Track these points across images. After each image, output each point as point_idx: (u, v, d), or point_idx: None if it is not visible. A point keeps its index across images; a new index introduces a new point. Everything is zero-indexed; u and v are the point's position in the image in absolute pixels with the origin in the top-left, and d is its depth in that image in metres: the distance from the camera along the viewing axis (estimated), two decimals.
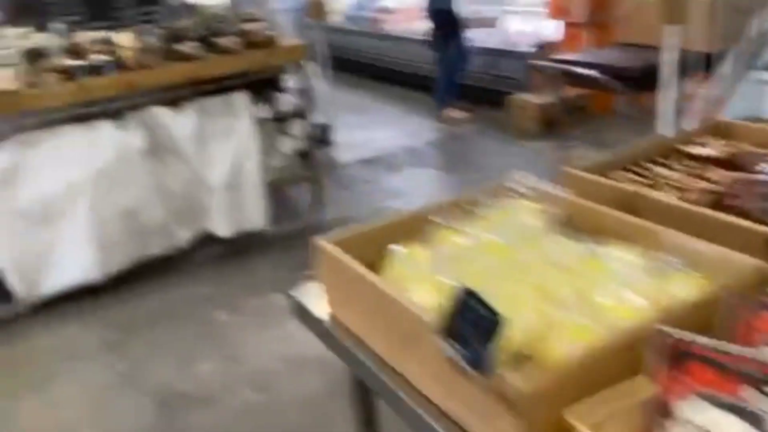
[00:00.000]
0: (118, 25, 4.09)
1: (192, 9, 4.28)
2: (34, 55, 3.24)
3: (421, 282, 1.20)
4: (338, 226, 4.02)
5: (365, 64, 8.03)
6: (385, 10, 7.81)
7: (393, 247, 1.30)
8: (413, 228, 1.34)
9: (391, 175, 4.98)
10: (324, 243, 1.34)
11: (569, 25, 5.84)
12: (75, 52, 3.68)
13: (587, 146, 5.14)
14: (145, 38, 3.49)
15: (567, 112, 4.20)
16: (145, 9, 4.19)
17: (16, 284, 3.39)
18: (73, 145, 3.42)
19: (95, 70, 3.40)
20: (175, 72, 3.58)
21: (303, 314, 1.47)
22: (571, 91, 5.43)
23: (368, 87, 7.69)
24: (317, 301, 1.44)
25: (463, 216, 1.35)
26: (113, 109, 3.52)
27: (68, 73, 3.36)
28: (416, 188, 4.74)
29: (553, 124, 5.48)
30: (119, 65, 3.46)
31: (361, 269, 1.24)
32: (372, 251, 1.31)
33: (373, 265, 1.29)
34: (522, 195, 1.41)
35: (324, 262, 1.36)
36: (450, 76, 6.14)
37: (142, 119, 3.59)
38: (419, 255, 1.28)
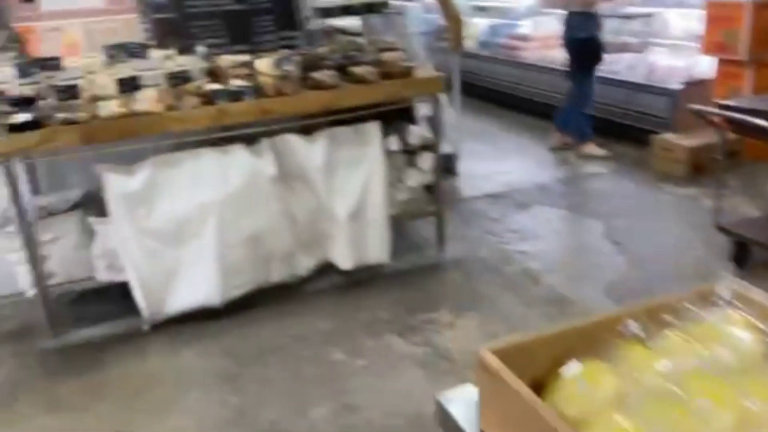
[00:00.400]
0: (258, 49, 4.11)
1: (330, 35, 4.24)
2: (177, 78, 3.28)
3: (604, 419, 0.96)
4: (459, 266, 3.82)
5: (495, 91, 7.80)
6: (522, 37, 7.54)
7: (569, 367, 1.08)
8: (594, 337, 1.11)
9: (519, 213, 4.71)
10: (485, 354, 1.12)
11: (726, 62, 5.32)
12: (215, 75, 3.72)
13: (742, 196, 4.65)
14: (284, 65, 3.45)
15: (719, 157, 3.77)
16: (285, 34, 4.18)
17: (141, 301, 3.43)
18: (207, 168, 3.43)
19: (234, 95, 3.40)
20: (311, 101, 3.52)
21: (449, 425, 1.25)
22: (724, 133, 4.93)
23: (495, 114, 7.45)
24: (467, 410, 1.22)
25: (659, 327, 1.11)
26: (248, 134, 3.51)
27: (208, 97, 3.37)
28: (546, 231, 4.45)
29: (702, 169, 5.00)
30: (257, 91, 3.44)
31: (529, 395, 1.02)
32: (542, 364, 1.09)
33: (542, 382, 1.07)
34: (730, 304, 1.15)
35: (482, 375, 1.14)
36: (584, 109, 5.80)
37: (274, 146, 3.56)
38: (602, 379, 1.04)
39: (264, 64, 3.60)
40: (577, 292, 3.58)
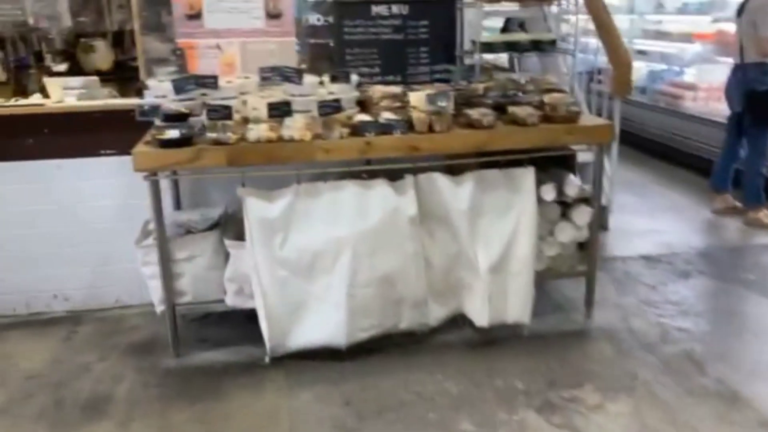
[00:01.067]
0: (410, 81, 3.94)
1: (488, 71, 3.99)
2: (328, 107, 3.13)
3: None
4: (609, 337, 3.37)
5: (651, 140, 7.21)
6: (686, 86, 6.93)
7: None
8: None
9: (679, 283, 4.17)
10: None
11: None
12: (365, 105, 3.57)
13: None
14: (438, 101, 3.22)
15: None
16: (440, 67, 3.97)
17: (265, 331, 3.29)
18: (346, 201, 3.26)
19: (383, 128, 3.21)
20: (464, 140, 3.27)
21: None
22: None
23: (650, 165, 6.86)
24: None
25: None
26: (391, 169, 3.31)
27: (356, 128, 3.21)
28: (712, 308, 3.89)
29: None
30: (407, 126, 3.23)
31: None
32: None
33: None
34: None
35: None
36: (760, 169, 5.15)
37: (418, 184, 3.33)
38: None
39: (416, 97, 3.40)
40: (752, 389, 3.04)
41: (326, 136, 3.17)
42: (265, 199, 3.22)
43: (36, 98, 3.94)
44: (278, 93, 3.48)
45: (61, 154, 3.76)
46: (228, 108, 3.05)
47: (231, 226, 3.47)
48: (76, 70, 5.04)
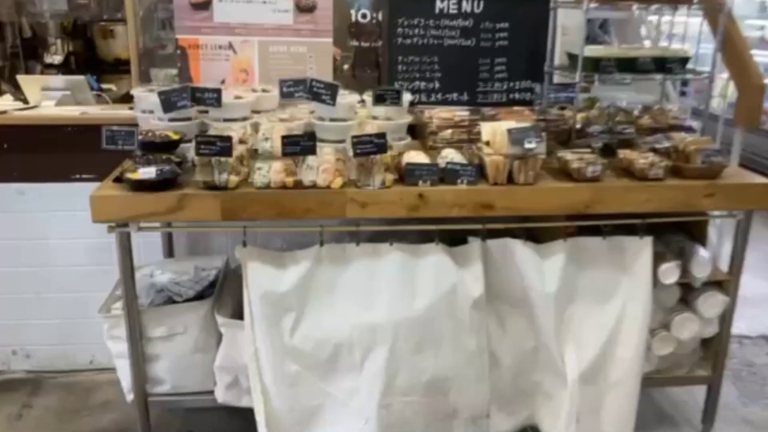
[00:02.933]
0: (480, 102, 2.97)
1: (587, 90, 2.99)
2: (369, 144, 2.20)
3: None
4: None
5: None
6: None
7: None
8: None
9: None
10: None
11: None
12: (420, 135, 2.64)
13: None
14: (525, 139, 2.26)
15: None
16: (521, 86, 3.00)
17: None
18: (386, 272, 2.34)
19: (445, 176, 2.27)
20: (559, 200, 2.31)
21: None
22: None
23: None
24: None
25: None
26: (450, 231, 2.38)
27: (407, 173, 2.28)
28: None
29: None
30: (477, 172, 2.29)
31: None
32: None
33: None
34: None
35: None
36: None
37: (488, 253, 2.39)
38: None
39: (492, 130, 2.44)
40: None
41: (363, 183, 2.24)
42: (273, 264, 2.32)
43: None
44: (303, 115, 2.57)
45: (24, 177, 2.93)
46: (226, 140, 2.14)
47: (230, 289, 2.58)
48: (74, 62, 4.24)
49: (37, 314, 3.08)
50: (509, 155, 2.29)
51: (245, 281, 2.31)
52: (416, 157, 2.38)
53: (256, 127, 2.47)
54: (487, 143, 2.44)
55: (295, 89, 2.54)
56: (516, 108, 2.87)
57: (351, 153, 2.23)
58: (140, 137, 2.33)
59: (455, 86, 3.01)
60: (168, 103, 2.43)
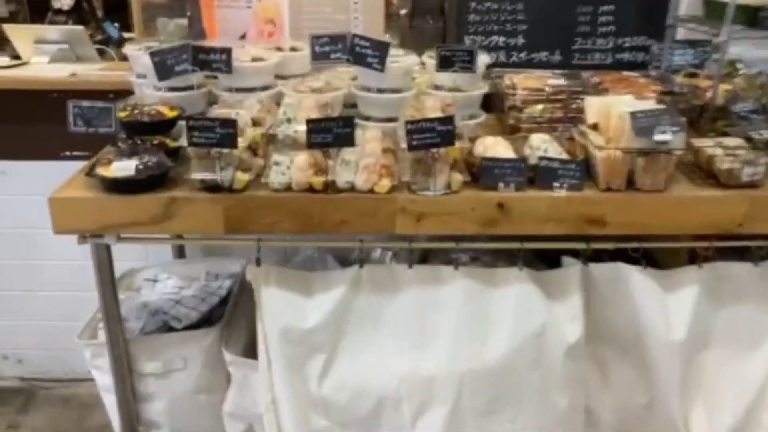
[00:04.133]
0: (580, 63, 2.25)
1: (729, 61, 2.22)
2: (428, 133, 1.55)
3: None
4: None
5: None
6: None
7: None
8: None
9: None
10: None
11: None
12: (498, 109, 1.97)
13: None
14: (657, 128, 1.55)
15: None
16: (631, 40, 2.26)
17: None
18: (450, 306, 1.72)
19: (540, 176, 1.61)
20: (702, 210, 1.62)
21: None
22: None
23: None
24: None
25: None
26: (537, 250, 1.73)
27: (482, 172, 1.62)
28: None
29: None
30: (582, 169, 1.61)
31: None
32: None
33: None
34: None
35: None
36: None
37: (589, 280, 1.73)
38: None
39: (602, 110, 1.74)
40: None
41: (419, 186, 1.60)
42: (297, 290, 1.73)
43: None
44: (342, 82, 1.92)
45: (4, 153, 2.41)
46: (229, 126, 1.52)
47: (246, 310, 2.00)
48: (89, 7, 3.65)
49: (27, 315, 2.60)
50: (631, 150, 1.59)
51: (259, 312, 1.73)
52: (495, 147, 1.71)
53: (278, 100, 1.85)
54: (595, 127, 1.75)
55: (331, 48, 1.88)
56: (626, 74, 2.14)
57: (404, 142, 1.58)
58: (122, 115, 1.74)
59: (545, 42, 2.29)
60: (163, 67, 1.81)
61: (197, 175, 1.59)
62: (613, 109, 1.69)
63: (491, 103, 2.08)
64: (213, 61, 1.83)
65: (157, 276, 2.22)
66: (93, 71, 2.46)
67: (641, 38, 2.27)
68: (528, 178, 1.63)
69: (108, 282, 1.74)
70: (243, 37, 2.25)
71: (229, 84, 1.90)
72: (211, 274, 2.20)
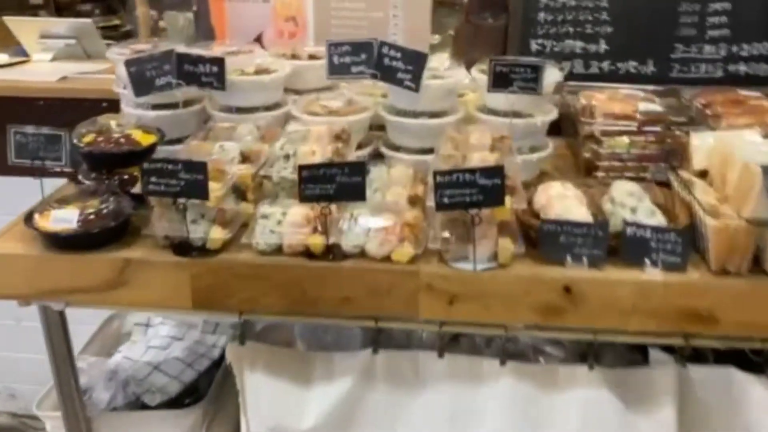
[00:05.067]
0: (681, 77, 1.75)
1: None
2: (462, 186, 1.10)
3: None
4: None
5: None
6: None
7: None
8: None
9: None
10: None
11: None
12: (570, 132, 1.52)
13: None
14: None
15: None
16: (750, 48, 1.73)
17: None
18: (496, 408, 1.29)
19: (627, 249, 1.15)
20: None
21: None
22: None
23: None
24: None
25: None
26: (614, 344, 1.26)
27: (539, 237, 1.17)
28: None
29: None
30: (688, 239, 1.14)
31: None
32: None
33: None
34: None
35: None
36: None
37: (687, 386, 1.26)
38: None
39: (713, 152, 1.26)
40: None
41: (454, 255, 1.16)
42: (291, 378, 1.33)
43: None
44: (367, 100, 1.50)
45: None
46: (198, 169, 1.12)
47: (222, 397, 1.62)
48: None
49: (19, 346, 2.31)
50: (761, 220, 1.11)
51: (243, 404, 1.34)
52: (562, 200, 1.25)
53: (286, 124, 1.44)
54: (704, 174, 1.27)
55: (352, 60, 1.46)
56: (743, 93, 1.63)
57: (433, 194, 1.14)
58: (86, 141, 1.38)
59: (635, 49, 1.80)
60: (141, 79, 1.44)
61: (160, 231, 1.20)
62: (732, 152, 1.20)
63: (560, 122, 1.62)
64: (201, 74, 1.44)
65: (150, 320, 1.87)
66: (92, 73, 2.12)
67: (763, 45, 1.74)
68: (608, 247, 1.16)
69: (62, 352, 1.39)
70: (259, 38, 1.86)
71: (225, 102, 1.51)
72: (210, 324, 1.83)
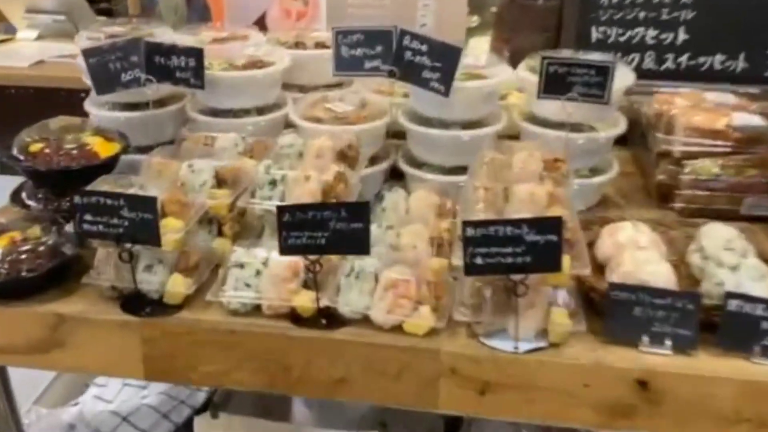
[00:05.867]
0: None
1: None
2: (503, 246, 0.80)
3: None
4: None
5: None
6: None
7: None
8: None
9: None
10: None
11: None
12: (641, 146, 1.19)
13: None
14: None
15: None
16: None
17: None
18: None
19: (727, 326, 0.83)
20: None
21: None
22: None
23: None
24: None
25: None
26: None
27: (598, 303, 0.86)
28: None
29: None
30: None
31: None
32: None
33: None
34: None
35: None
36: None
37: None
38: None
39: None
40: None
41: (487, 330, 0.86)
42: None
43: None
44: (384, 101, 1.19)
45: None
46: (147, 206, 0.84)
47: None
48: None
49: None
50: None
51: None
52: (633, 251, 0.93)
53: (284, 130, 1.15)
54: None
55: (365, 53, 1.15)
56: None
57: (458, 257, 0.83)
58: (33, 150, 1.11)
59: (722, 41, 1.44)
60: (103, 73, 1.16)
61: (105, 279, 0.93)
62: None
63: (627, 135, 1.29)
64: (175, 67, 1.14)
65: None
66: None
67: None
68: (696, 322, 0.85)
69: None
70: (262, 19, 1.56)
71: (207, 102, 1.22)
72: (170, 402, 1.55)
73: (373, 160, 1.19)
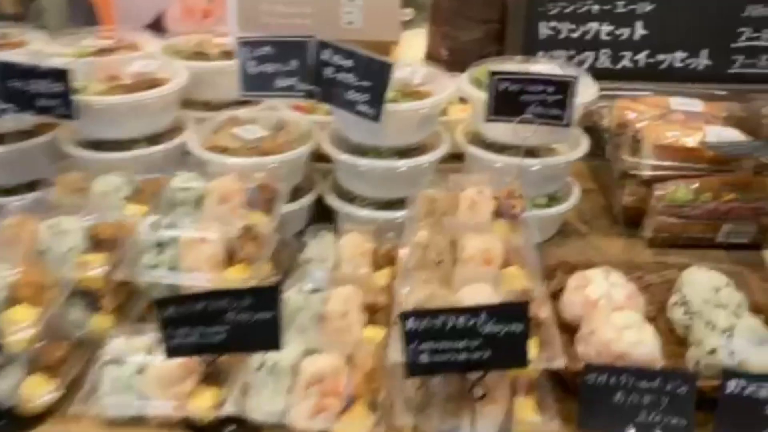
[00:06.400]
0: (746, 73, 1.26)
1: None
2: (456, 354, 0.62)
3: None
4: None
5: None
6: None
7: None
8: None
9: None
10: None
11: None
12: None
13: None
14: None
15: None
16: None
17: None
18: None
19: (730, 408, 0.67)
20: None
21: None
22: None
23: None
24: None
25: None
26: None
27: (572, 381, 0.69)
28: None
29: None
30: None
31: None
32: None
33: None
34: None
35: None
36: None
37: None
38: None
39: None
40: None
41: (433, 429, 0.68)
42: None
43: None
44: (304, 127, 0.99)
45: None
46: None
47: None
48: None
49: None
50: None
51: None
52: (609, 315, 0.76)
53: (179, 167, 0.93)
54: None
55: (277, 69, 0.94)
56: None
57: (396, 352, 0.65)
58: None
59: (683, 36, 1.29)
60: None
61: None
62: None
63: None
64: (36, 94, 0.91)
65: None
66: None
67: None
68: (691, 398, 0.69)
69: None
70: (157, 23, 1.32)
71: (85, 132, 0.99)
72: None
73: (295, 193, 1.00)
